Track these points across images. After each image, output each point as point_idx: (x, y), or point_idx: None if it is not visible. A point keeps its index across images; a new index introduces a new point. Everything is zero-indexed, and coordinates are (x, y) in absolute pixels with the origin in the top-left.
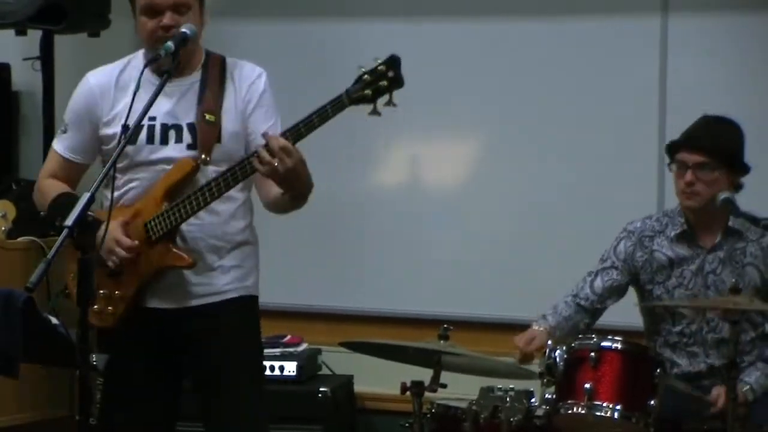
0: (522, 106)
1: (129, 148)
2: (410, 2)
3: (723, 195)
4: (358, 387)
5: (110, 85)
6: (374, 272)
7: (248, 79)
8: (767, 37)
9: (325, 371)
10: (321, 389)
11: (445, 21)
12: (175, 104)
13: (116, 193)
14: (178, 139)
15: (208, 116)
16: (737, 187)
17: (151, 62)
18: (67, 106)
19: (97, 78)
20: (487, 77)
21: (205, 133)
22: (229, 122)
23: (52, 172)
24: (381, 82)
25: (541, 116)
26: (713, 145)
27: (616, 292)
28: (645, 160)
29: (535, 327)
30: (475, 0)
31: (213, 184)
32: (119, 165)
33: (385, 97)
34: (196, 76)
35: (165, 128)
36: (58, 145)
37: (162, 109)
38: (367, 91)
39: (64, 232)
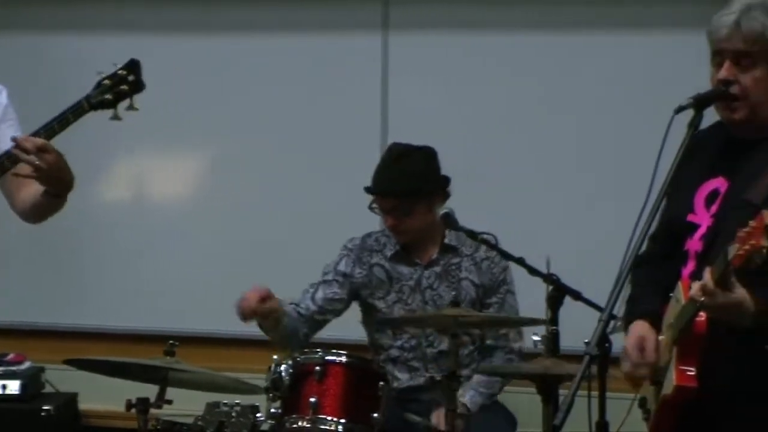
0: (246, 123)
1: None
2: (142, 17)
3: (443, 211)
4: (83, 404)
5: None
6: (99, 288)
7: None
8: (486, 56)
9: (49, 389)
10: (44, 407)
11: (173, 36)
12: None
13: None
14: None
15: None
16: (445, 197)
17: None
18: None
19: None
20: (215, 92)
21: None
22: None
23: None
24: (122, 86)
25: (265, 132)
26: (400, 187)
27: (336, 305)
28: (366, 180)
29: None
30: (207, 16)
31: None
32: None
33: (126, 102)
34: None
35: None
36: None
37: None
38: (108, 96)
39: None
